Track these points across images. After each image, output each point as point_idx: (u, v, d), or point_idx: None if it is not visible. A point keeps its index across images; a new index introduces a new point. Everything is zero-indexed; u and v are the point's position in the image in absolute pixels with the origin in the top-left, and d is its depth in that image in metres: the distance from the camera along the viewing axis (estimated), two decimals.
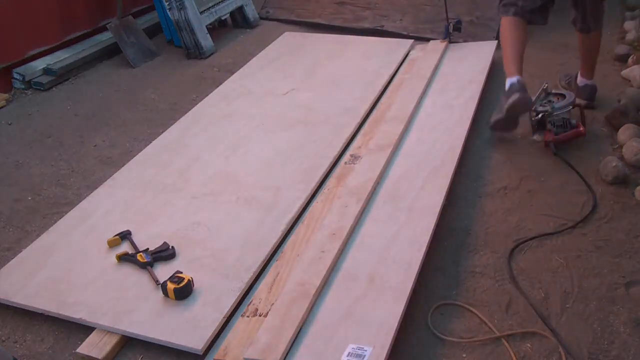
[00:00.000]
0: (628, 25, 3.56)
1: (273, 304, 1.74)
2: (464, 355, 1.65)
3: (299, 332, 1.65)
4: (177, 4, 3.66)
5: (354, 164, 2.37)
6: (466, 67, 3.14)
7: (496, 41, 3.35)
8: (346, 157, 2.45)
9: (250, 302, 1.78)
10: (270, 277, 1.86)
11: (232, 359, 1.60)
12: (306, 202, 2.20)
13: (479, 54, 3.27)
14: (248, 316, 1.73)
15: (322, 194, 2.23)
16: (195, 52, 3.73)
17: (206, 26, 3.83)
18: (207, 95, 3.11)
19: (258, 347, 1.59)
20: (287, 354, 1.59)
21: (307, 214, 2.13)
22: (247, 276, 1.85)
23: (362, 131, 2.65)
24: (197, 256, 1.96)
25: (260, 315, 1.71)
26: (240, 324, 1.71)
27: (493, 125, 2.57)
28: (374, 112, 2.80)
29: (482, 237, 2.07)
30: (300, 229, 2.06)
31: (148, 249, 1.98)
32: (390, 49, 3.42)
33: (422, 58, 3.28)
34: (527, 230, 2.08)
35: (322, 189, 2.27)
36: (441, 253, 2.01)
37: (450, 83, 3.00)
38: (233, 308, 1.76)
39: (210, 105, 2.98)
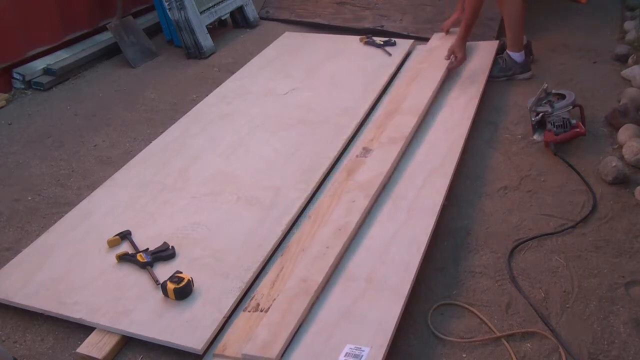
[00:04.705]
0: (628, 25, 3.56)
1: (275, 299, 1.74)
2: (464, 355, 1.65)
3: (298, 329, 1.65)
4: (177, 4, 3.66)
5: (365, 157, 2.35)
6: (467, 66, 3.13)
7: (497, 41, 3.35)
8: (358, 150, 2.43)
9: (253, 297, 1.78)
10: (273, 272, 1.87)
11: (231, 354, 1.61)
12: (306, 202, 2.20)
13: (480, 54, 3.26)
14: (249, 311, 1.73)
15: (330, 188, 2.22)
16: (195, 52, 3.73)
17: (206, 26, 3.83)
18: (207, 95, 3.11)
19: (257, 344, 1.59)
20: (285, 351, 1.59)
21: (314, 209, 2.13)
22: (247, 276, 1.85)
23: (375, 123, 2.62)
24: (197, 256, 1.96)
25: (261, 311, 1.72)
26: (241, 319, 1.72)
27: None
28: (388, 104, 2.77)
29: (482, 237, 2.07)
30: (307, 223, 2.06)
31: (148, 249, 1.98)
32: (390, 49, 3.42)
33: (440, 48, 3.26)
34: (527, 230, 2.08)
35: (331, 182, 2.26)
36: (441, 253, 2.01)
37: (451, 82, 2.99)
38: (233, 308, 1.76)
39: (210, 105, 2.98)
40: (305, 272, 1.81)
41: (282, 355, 1.58)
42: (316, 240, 1.94)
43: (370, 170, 2.26)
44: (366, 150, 2.39)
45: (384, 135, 2.47)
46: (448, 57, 3.02)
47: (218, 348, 1.64)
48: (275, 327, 1.63)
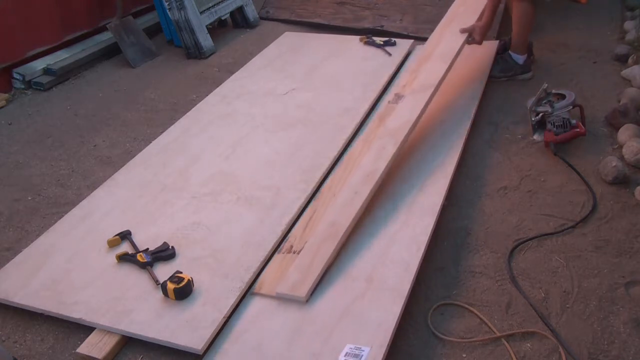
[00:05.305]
0: (628, 25, 3.56)
1: (307, 242, 1.89)
2: (464, 355, 1.65)
3: (325, 273, 1.82)
4: (177, 4, 3.66)
5: (397, 103, 2.44)
6: (467, 65, 3.13)
7: (497, 41, 3.35)
8: (390, 96, 2.53)
9: (287, 240, 1.96)
10: (307, 216, 2.01)
11: (266, 292, 1.79)
12: (306, 202, 2.20)
13: (481, 54, 3.26)
14: (283, 253, 1.91)
15: (363, 135, 2.33)
16: (195, 52, 3.74)
17: (206, 26, 3.83)
18: (207, 95, 3.11)
19: (288, 284, 1.77)
20: (313, 291, 1.76)
21: (346, 155, 2.29)
22: (247, 276, 1.85)
23: (409, 70, 2.72)
24: (197, 256, 1.96)
25: (294, 253, 1.88)
26: (275, 260, 1.90)
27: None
28: (424, 50, 2.85)
29: (482, 237, 2.07)
30: (338, 169, 2.22)
31: (148, 249, 1.98)
32: (390, 49, 3.42)
33: None
34: (527, 230, 2.08)
35: (364, 129, 2.40)
36: (441, 253, 2.01)
37: (451, 82, 2.98)
38: (233, 308, 1.77)
39: (210, 105, 2.98)
40: (334, 217, 1.96)
41: (312, 293, 1.76)
42: (346, 186, 2.07)
43: (401, 117, 2.35)
44: (398, 97, 2.48)
45: (416, 82, 2.55)
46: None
47: (255, 287, 1.82)
48: (305, 269, 1.80)
